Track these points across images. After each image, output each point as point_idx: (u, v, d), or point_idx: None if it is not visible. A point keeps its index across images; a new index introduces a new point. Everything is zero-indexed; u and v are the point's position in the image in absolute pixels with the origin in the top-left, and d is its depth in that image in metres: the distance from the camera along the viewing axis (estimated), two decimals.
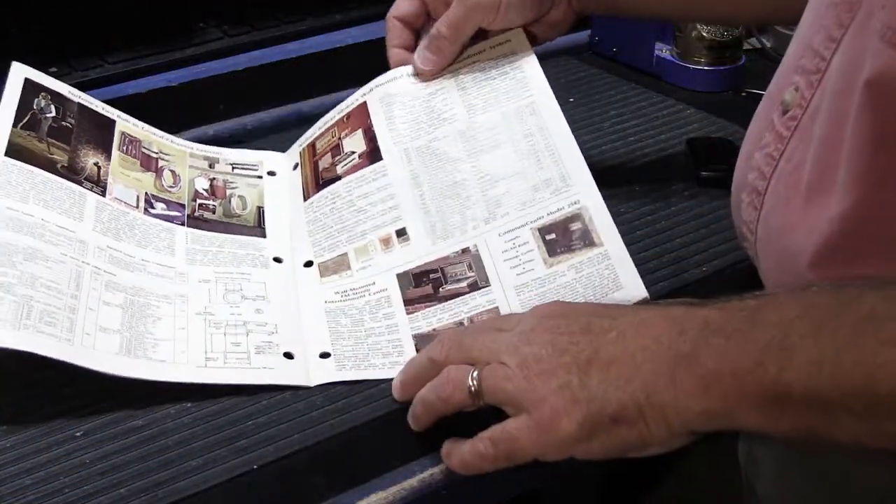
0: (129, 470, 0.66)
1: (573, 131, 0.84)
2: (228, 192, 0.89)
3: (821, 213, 0.64)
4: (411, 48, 0.90)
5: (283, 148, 0.95)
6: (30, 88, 0.84)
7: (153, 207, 0.85)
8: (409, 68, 0.90)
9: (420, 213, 0.83)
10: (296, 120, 1.08)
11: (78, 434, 0.69)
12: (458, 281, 0.79)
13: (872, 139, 0.60)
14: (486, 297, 0.78)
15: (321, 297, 0.81)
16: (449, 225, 0.82)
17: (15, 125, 0.80)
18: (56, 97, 0.85)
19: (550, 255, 0.78)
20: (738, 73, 1.14)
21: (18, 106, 0.82)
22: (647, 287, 0.78)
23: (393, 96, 0.89)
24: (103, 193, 0.82)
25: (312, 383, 0.74)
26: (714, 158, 0.98)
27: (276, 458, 0.68)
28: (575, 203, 0.80)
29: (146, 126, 0.90)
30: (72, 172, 0.81)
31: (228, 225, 0.86)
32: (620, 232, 0.78)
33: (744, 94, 1.13)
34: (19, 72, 0.84)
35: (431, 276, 0.80)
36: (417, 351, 0.75)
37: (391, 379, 0.72)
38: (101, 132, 0.86)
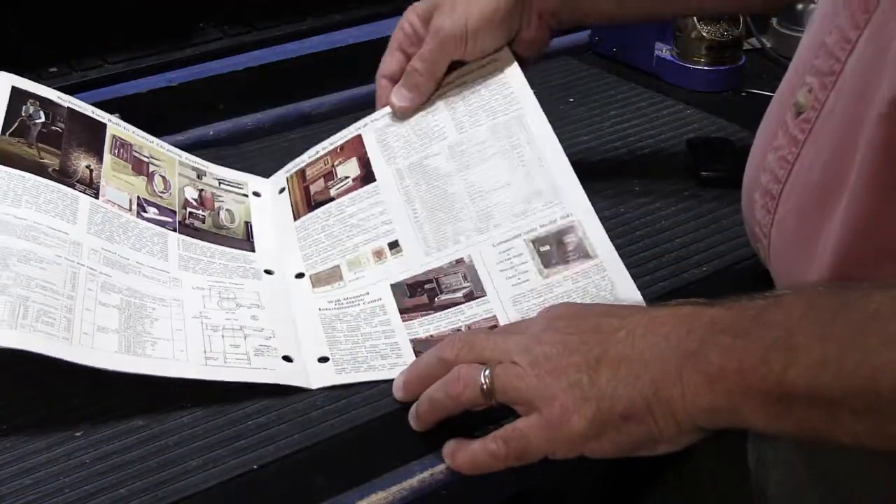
0: (129, 470, 0.66)
1: (573, 131, 0.84)
2: (217, 204, 0.89)
3: (834, 219, 0.64)
4: None
5: (283, 147, 0.95)
6: (17, 96, 0.83)
7: (146, 211, 0.84)
8: None
9: (412, 226, 0.84)
10: (296, 120, 1.08)
11: (78, 434, 0.69)
12: (454, 291, 0.79)
13: (886, 149, 0.60)
14: (483, 307, 0.78)
15: (314, 306, 0.81)
16: (441, 236, 0.82)
17: (3, 133, 0.80)
18: (45, 103, 0.85)
19: (546, 267, 0.79)
20: (738, 73, 1.14)
21: (6, 114, 0.82)
22: (647, 287, 0.77)
23: (387, 126, 0.90)
24: (96, 196, 0.82)
25: (313, 386, 0.74)
26: (714, 158, 0.98)
27: (276, 458, 0.68)
28: (567, 216, 0.80)
29: (137, 130, 0.90)
30: (64, 175, 0.81)
31: (218, 236, 0.86)
32: (620, 232, 0.78)
33: (744, 94, 1.13)
34: (5, 81, 0.84)
35: (426, 286, 0.80)
36: (416, 355, 0.75)
37: (391, 380, 0.72)
38: (91, 135, 0.86)
